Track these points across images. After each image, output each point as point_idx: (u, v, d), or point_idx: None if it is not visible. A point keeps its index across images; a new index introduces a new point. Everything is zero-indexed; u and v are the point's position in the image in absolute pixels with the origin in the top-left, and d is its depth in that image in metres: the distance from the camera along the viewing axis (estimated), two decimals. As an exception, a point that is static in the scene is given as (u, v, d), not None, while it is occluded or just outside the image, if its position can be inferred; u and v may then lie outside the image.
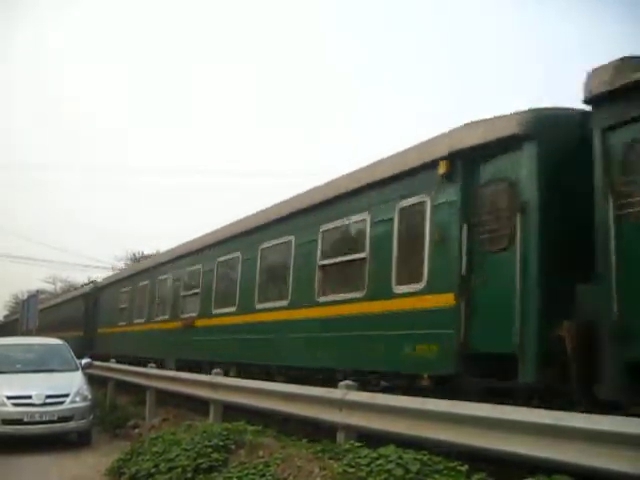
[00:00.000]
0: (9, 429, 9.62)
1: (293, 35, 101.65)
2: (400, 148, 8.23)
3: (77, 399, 10.16)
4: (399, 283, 7.58)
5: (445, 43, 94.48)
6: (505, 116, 6.52)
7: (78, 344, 20.79)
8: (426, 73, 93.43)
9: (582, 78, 5.74)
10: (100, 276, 35.25)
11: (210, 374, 9.49)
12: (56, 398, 9.96)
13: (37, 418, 9.67)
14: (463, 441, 4.92)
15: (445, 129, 7.41)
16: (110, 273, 36.30)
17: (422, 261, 7.18)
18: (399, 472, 4.86)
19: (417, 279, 7.24)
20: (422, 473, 4.82)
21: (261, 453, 6.41)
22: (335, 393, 6.46)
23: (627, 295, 5.15)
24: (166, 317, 15.88)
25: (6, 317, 57.22)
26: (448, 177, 6.85)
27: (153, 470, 6.96)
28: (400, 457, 5.06)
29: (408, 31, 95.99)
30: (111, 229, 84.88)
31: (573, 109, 6.30)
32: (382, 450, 5.31)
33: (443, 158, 6.90)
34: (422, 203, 7.31)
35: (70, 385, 10.40)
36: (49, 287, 59.33)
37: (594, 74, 5.58)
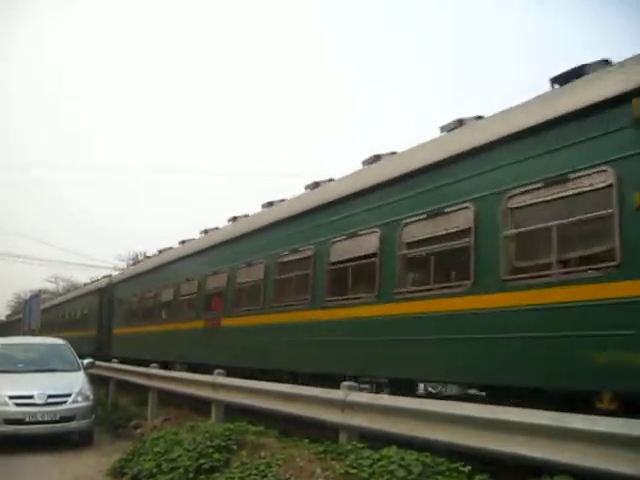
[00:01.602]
0: (11, 429, 9.63)
1: (293, 35, 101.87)
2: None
3: (79, 399, 10.17)
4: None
5: (445, 43, 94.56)
6: None
7: None
8: (426, 73, 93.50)
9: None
10: (97, 275, 34.05)
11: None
12: (58, 398, 9.97)
13: (39, 418, 9.68)
14: (465, 442, 4.91)
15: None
16: (109, 273, 31.78)
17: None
18: (401, 473, 4.87)
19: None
20: (424, 474, 4.83)
21: (263, 453, 6.42)
22: (337, 394, 6.46)
23: None
24: None
25: (8, 317, 57.27)
26: None
27: (155, 470, 6.98)
28: (402, 458, 5.06)
29: (408, 31, 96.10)
30: (111, 229, 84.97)
31: None
32: (384, 451, 5.32)
33: None
34: None
35: (72, 385, 10.41)
36: (51, 286, 59.39)
37: None
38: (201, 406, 10.99)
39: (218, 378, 9.25)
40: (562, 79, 6.55)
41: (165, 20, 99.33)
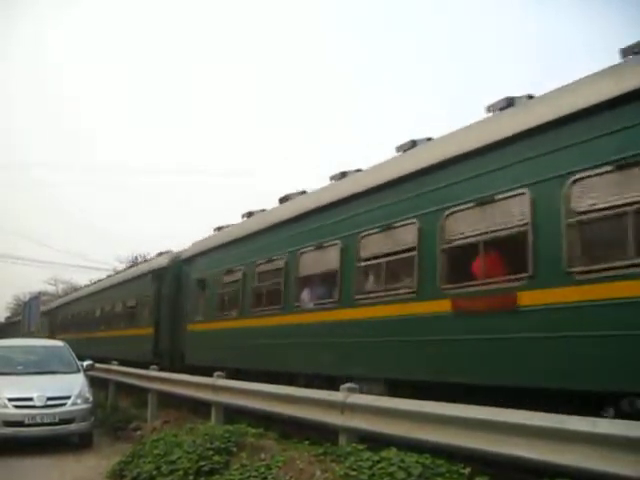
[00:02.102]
0: (10, 431, 9.61)
1: (293, 35, 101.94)
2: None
3: (78, 401, 10.15)
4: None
5: (445, 43, 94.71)
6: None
7: None
8: (426, 73, 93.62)
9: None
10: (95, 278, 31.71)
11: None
12: (57, 400, 9.96)
13: (38, 420, 9.67)
14: (465, 444, 4.91)
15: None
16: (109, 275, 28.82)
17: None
18: (401, 475, 4.86)
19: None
20: (424, 476, 4.82)
21: (262, 455, 6.42)
22: (337, 396, 6.46)
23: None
24: None
25: (7, 319, 57.23)
26: None
27: (154, 472, 6.97)
28: (402, 460, 5.06)
29: (408, 31, 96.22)
30: (111, 230, 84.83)
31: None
32: (384, 453, 5.32)
33: None
34: None
35: (71, 387, 10.40)
36: (51, 288, 59.28)
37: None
38: (201, 408, 10.99)
39: (218, 380, 9.25)
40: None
41: (165, 21, 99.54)
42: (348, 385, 6.49)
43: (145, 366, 13.03)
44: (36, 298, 30.95)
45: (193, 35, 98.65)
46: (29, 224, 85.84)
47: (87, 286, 29.94)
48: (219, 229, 14.68)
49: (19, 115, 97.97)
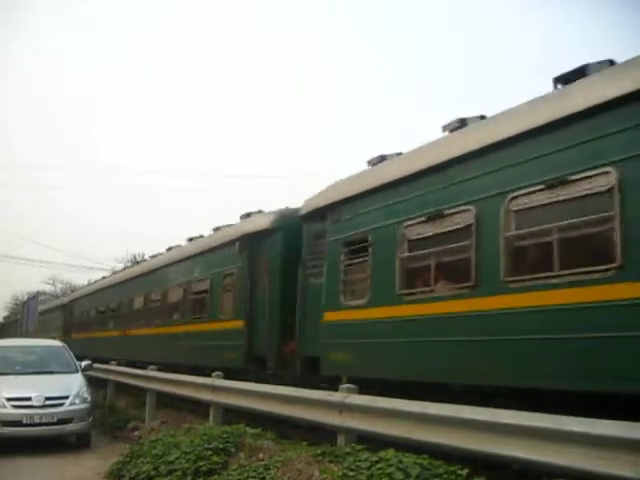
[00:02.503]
0: (8, 431, 9.60)
1: (293, 35, 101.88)
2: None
3: (77, 401, 10.15)
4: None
5: (444, 43, 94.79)
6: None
7: None
8: (426, 73, 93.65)
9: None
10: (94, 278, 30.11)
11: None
12: (56, 400, 9.95)
13: (36, 420, 9.66)
14: (463, 445, 4.91)
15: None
16: (109, 275, 26.64)
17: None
18: (399, 476, 4.86)
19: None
20: (422, 477, 4.82)
21: (261, 456, 6.42)
22: (335, 396, 6.46)
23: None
24: None
25: (6, 318, 57.20)
26: None
27: (153, 473, 6.96)
28: (400, 461, 5.06)
29: (408, 31, 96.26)
30: (112, 231, 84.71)
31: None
32: (382, 454, 5.32)
33: None
34: None
35: (70, 387, 10.39)
36: (49, 288, 59.25)
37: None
38: (199, 408, 10.98)
39: (217, 380, 9.24)
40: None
41: (167, 22, 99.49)
42: (347, 385, 6.49)
43: (233, 376, 9.65)
44: (34, 298, 30.85)
45: (194, 37, 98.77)
46: (29, 224, 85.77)
47: (119, 271, 24.19)
48: (380, 160, 9.15)
49: (19, 116, 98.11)
